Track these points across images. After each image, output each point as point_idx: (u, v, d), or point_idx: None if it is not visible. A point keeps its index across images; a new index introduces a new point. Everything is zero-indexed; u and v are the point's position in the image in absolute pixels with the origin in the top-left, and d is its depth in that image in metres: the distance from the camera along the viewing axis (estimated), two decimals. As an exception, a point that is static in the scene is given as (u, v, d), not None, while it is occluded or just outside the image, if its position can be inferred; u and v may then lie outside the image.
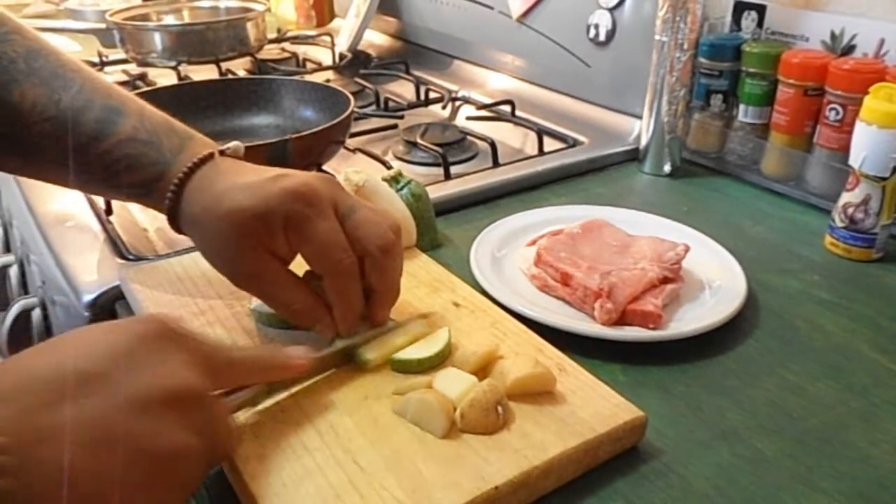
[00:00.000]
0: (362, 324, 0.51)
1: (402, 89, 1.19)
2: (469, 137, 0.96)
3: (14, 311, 0.80)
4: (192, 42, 1.22)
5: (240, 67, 1.29)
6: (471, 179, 0.84)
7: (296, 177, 0.48)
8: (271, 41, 1.40)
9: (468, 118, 1.04)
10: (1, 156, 0.55)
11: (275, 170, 0.50)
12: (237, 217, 0.47)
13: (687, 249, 0.63)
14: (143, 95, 0.83)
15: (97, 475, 0.31)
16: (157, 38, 1.21)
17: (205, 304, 0.56)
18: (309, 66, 1.31)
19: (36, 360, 0.33)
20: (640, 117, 0.91)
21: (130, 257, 0.66)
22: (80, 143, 0.52)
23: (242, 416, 0.44)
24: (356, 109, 0.82)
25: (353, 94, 0.86)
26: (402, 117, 1.03)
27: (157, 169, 0.52)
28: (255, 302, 0.53)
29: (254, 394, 0.44)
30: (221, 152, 0.53)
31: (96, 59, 1.27)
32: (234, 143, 0.54)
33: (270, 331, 0.53)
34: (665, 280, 0.60)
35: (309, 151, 0.74)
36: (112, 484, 0.31)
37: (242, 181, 0.49)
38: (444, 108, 1.10)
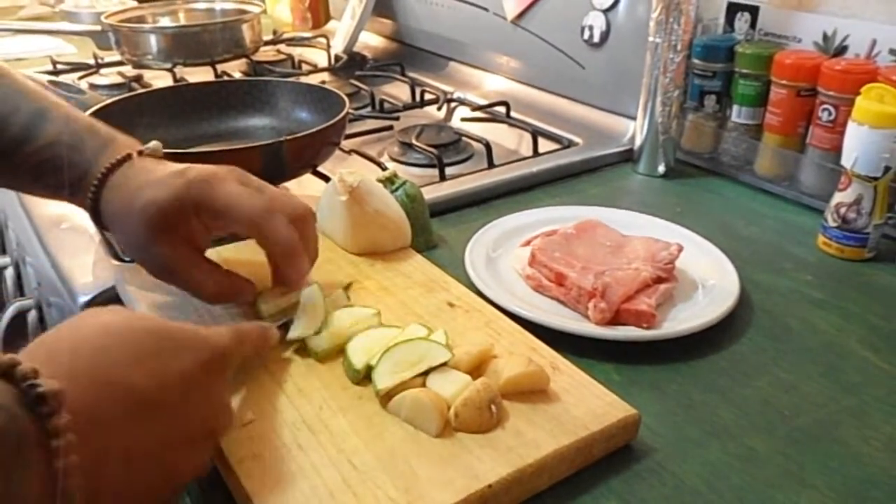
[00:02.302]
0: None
1: (398, 91, 1.19)
2: (464, 139, 0.96)
3: (10, 312, 0.80)
4: (187, 44, 1.22)
5: (235, 69, 1.30)
6: (466, 180, 0.84)
7: (202, 168, 0.52)
8: (267, 43, 1.40)
9: (463, 119, 1.04)
10: None
11: (183, 165, 0.52)
12: (150, 211, 0.49)
13: (680, 249, 0.64)
14: (138, 97, 0.83)
15: (138, 492, 0.35)
16: (153, 40, 1.21)
17: (200, 304, 0.56)
18: (304, 67, 1.31)
19: (115, 366, 0.35)
20: (634, 118, 0.91)
21: (126, 259, 0.66)
22: (8, 146, 0.54)
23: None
24: (351, 111, 0.82)
25: (349, 95, 0.86)
26: (397, 119, 1.03)
27: (79, 170, 0.54)
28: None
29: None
30: (140, 152, 0.55)
31: (92, 62, 1.27)
32: (153, 143, 0.56)
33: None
34: (658, 280, 0.61)
35: (304, 153, 0.74)
36: (168, 444, 0.36)
37: (153, 178, 0.51)
38: (439, 109, 1.11)
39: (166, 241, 0.50)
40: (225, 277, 0.53)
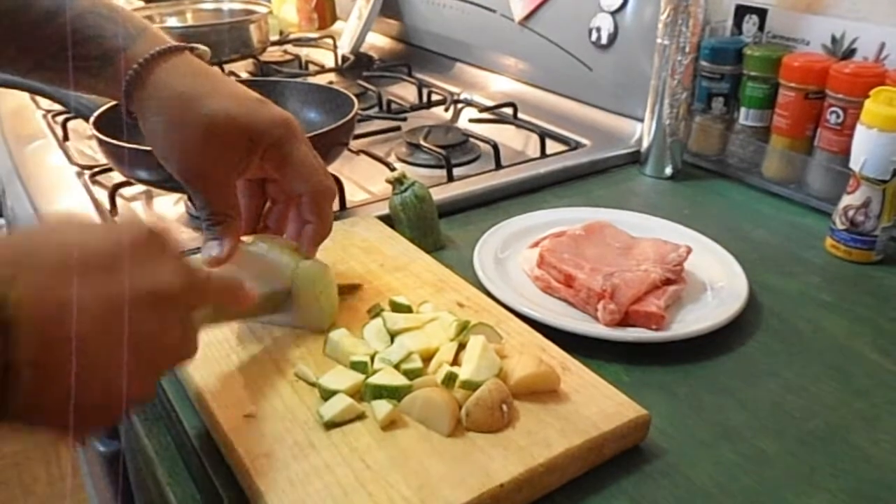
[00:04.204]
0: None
1: (405, 91, 1.19)
2: (471, 139, 0.97)
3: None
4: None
5: (242, 69, 1.30)
6: (473, 181, 0.84)
7: (276, 107, 0.52)
8: (274, 43, 1.41)
9: (470, 120, 1.05)
10: None
11: (252, 93, 0.52)
12: (223, 124, 0.49)
13: (689, 251, 0.64)
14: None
15: (102, 350, 0.34)
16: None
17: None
18: (311, 68, 1.31)
19: (39, 240, 0.36)
20: (641, 120, 0.91)
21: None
22: (38, 17, 0.51)
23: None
24: (359, 111, 0.82)
25: (356, 96, 0.86)
26: (404, 119, 1.03)
27: (116, 42, 0.51)
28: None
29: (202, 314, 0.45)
30: (192, 49, 0.53)
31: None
32: (202, 47, 0.54)
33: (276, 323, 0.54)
34: (667, 281, 0.61)
35: (313, 153, 0.74)
36: (113, 359, 0.34)
37: (227, 89, 0.51)
38: (446, 110, 1.11)
39: (220, 157, 0.50)
40: (237, 206, 0.52)
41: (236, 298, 0.47)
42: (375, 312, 0.55)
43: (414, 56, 1.33)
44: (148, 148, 0.62)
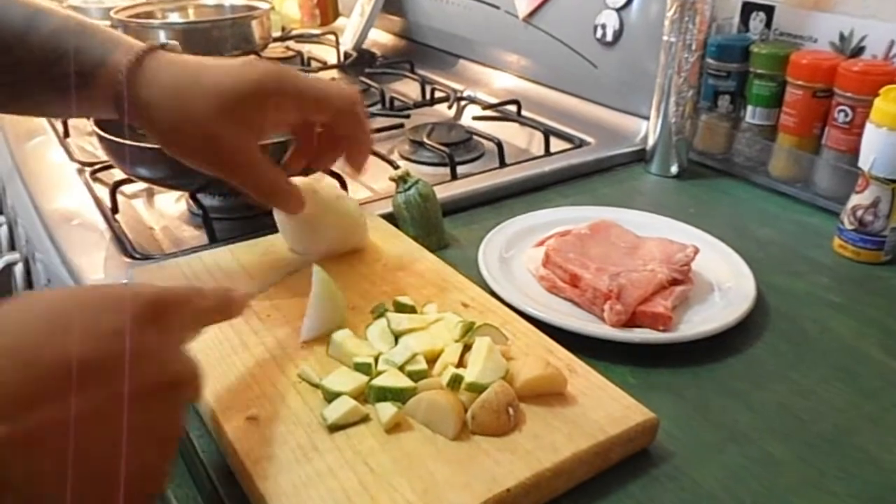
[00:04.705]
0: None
1: (408, 88, 1.19)
2: (475, 137, 0.96)
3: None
4: (196, 40, 1.21)
5: (244, 66, 1.29)
6: (477, 179, 0.84)
7: (264, 62, 0.53)
8: (276, 39, 1.40)
9: (474, 118, 1.04)
10: None
11: (236, 59, 0.53)
12: (220, 100, 0.49)
13: (696, 251, 0.63)
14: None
15: (105, 463, 0.31)
16: (162, 36, 1.20)
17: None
18: (314, 64, 1.31)
19: (35, 343, 0.32)
20: (647, 118, 0.90)
21: (137, 256, 0.66)
22: (9, 38, 0.51)
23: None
24: (362, 109, 0.81)
25: (359, 93, 0.86)
26: (407, 116, 1.02)
27: (95, 55, 0.51)
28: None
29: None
30: (163, 46, 0.53)
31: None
32: (173, 42, 0.57)
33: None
34: (674, 282, 0.60)
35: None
36: (119, 463, 0.31)
37: (212, 63, 0.51)
38: (449, 107, 1.10)
39: (233, 125, 0.50)
40: (282, 174, 0.54)
41: (230, 310, 0.44)
42: (379, 313, 0.54)
43: (417, 53, 1.32)
44: (149, 145, 0.62)
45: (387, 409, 0.44)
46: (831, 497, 0.44)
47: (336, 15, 1.56)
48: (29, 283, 0.87)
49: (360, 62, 1.30)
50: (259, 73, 0.51)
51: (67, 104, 0.53)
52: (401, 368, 0.48)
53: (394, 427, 0.44)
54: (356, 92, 0.55)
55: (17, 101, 0.55)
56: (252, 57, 0.53)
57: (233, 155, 0.51)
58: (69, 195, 0.79)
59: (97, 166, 0.83)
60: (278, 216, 0.62)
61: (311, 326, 0.52)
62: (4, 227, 0.98)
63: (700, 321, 0.58)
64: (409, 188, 0.69)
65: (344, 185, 0.76)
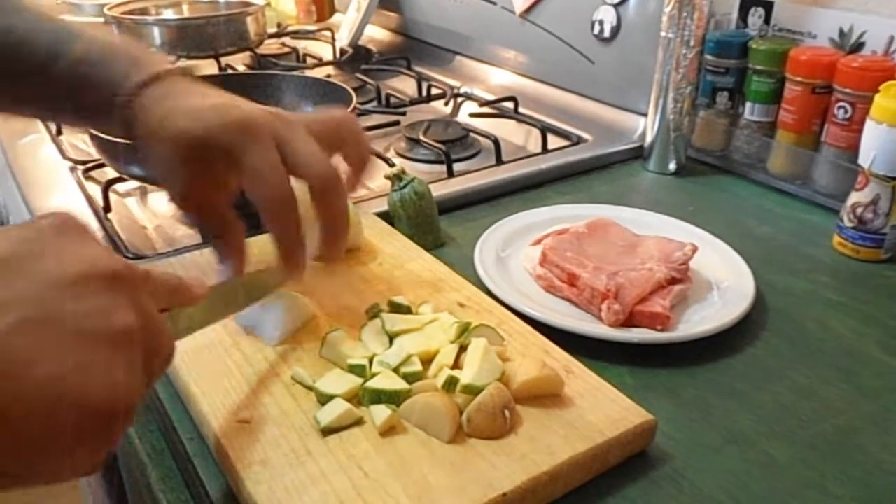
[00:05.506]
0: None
1: (404, 85, 1.18)
2: (472, 134, 0.95)
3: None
4: (191, 36, 1.20)
5: (239, 62, 1.28)
6: (474, 177, 0.83)
7: (238, 107, 0.48)
8: (271, 36, 1.39)
9: (471, 115, 1.03)
10: None
11: (217, 94, 0.49)
12: (180, 141, 0.47)
13: (695, 250, 0.62)
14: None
15: (38, 358, 0.28)
16: (156, 33, 1.20)
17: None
18: (309, 61, 1.30)
19: None
20: (644, 115, 0.90)
21: (129, 255, 0.65)
22: (36, 67, 0.51)
23: None
24: (357, 106, 0.80)
25: (355, 89, 0.85)
26: (403, 114, 1.02)
27: (111, 86, 0.50)
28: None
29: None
30: (169, 71, 0.51)
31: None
32: (185, 63, 0.53)
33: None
34: (673, 281, 0.59)
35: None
36: (56, 366, 0.29)
37: (186, 104, 0.48)
38: (446, 104, 1.09)
39: (190, 174, 0.48)
40: (235, 231, 0.51)
41: (186, 295, 0.41)
42: (374, 313, 0.53)
43: (413, 49, 1.31)
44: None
45: (381, 412, 0.43)
46: (833, 499, 0.44)
47: (332, 11, 1.55)
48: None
49: (355, 59, 1.29)
50: (217, 126, 0.46)
51: (85, 126, 0.53)
52: (395, 370, 0.47)
53: (388, 430, 0.43)
54: (289, 198, 0.46)
55: (34, 116, 0.55)
56: (240, 100, 0.49)
57: (185, 200, 0.49)
58: (61, 193, 0.78)
59: (90, 164, 0.82)
60: None
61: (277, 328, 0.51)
62: (-3, 226, 0.98)
63: (698, 320, 0.57)
64: (405, 186, 0.68)
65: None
